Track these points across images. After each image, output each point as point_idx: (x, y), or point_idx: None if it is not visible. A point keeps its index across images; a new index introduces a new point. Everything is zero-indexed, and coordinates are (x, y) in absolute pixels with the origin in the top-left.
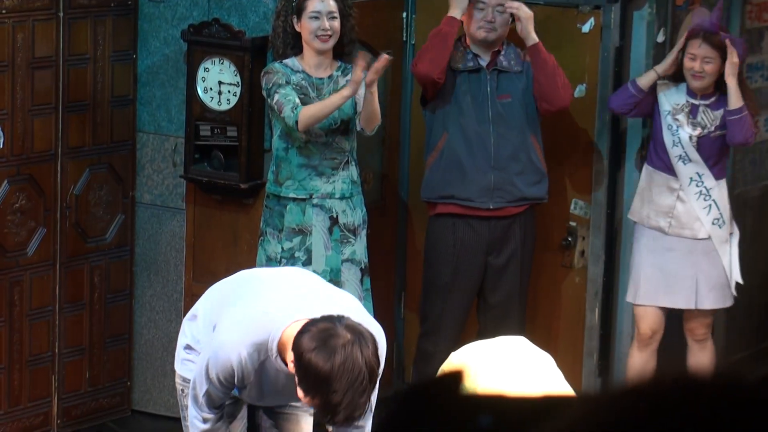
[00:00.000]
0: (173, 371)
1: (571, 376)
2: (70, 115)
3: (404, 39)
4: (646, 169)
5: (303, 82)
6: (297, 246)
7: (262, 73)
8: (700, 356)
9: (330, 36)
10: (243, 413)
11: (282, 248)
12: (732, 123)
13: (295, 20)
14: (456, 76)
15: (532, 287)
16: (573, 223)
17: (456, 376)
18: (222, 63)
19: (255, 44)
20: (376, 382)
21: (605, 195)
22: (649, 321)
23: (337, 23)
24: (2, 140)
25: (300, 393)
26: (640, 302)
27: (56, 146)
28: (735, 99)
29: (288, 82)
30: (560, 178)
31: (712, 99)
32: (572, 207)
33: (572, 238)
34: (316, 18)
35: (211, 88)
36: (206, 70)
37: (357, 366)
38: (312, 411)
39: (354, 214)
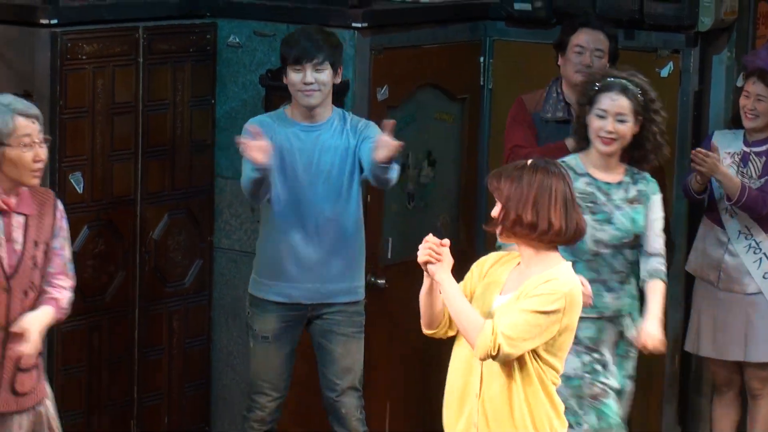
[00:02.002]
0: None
1: (650, 424)
2: (149, 160)
3: (482, 83)
4: (703, 220)
5: (589, 187)
6: (594, 361)
7: None
8: (754, 412)
9: (614, 139)
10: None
11: (582, 362)
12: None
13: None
14: (543, 125)
15: None
16: None
17: None
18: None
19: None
20: None
21: (684, 242)
22: (718, 370)
23: (624, 126)
24: (82, 185)
25: None
26: (698, 352)
27: (135, 191)
28: None
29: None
30: None
31: (763, 147)
32: None
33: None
34: (602, 117)
35: None
36: None
37: None
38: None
39: (634, 328)
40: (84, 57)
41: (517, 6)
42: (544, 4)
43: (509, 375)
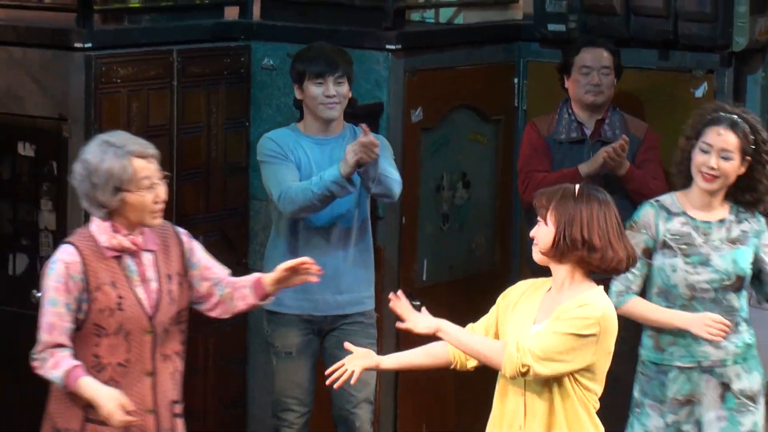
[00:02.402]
0: None
1: None
2: (184, 182)
3: (516, 104)
4: None
5: (685, 227)
6: (684, 418)
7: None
8: None
9: (716, 177)
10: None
11: (665, 422)
12: None
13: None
14: (558, 147)
15: None
16: None
17: None
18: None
19: (367, 111)
20: None
21: None
22: None
23: (727, 164)
24: None
25: None
26: None
27: (170, 214)
28: None
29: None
30: None
31: None
32: None
33: None
34: (706, 152)
35: None
36: None
37: None
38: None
39: (751, 378)
40: (118, 80)
41: (551, 27)
42: (578, 25)
43: (551, 406)
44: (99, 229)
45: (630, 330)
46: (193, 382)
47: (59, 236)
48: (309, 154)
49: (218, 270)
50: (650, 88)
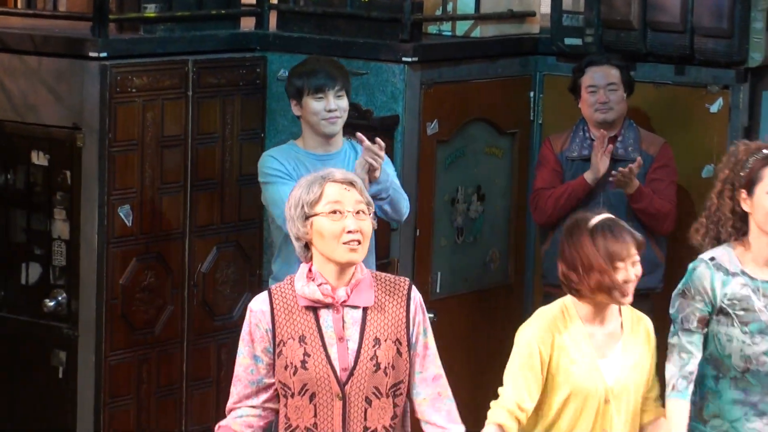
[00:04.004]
0: None
1: None
2: (198, 193)
3: (531, 118)
4: None
5: (744, 289)
6: None
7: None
8: None
9: None
10: None
11: None
12: None
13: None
14: (569, 164)
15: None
16: None
17: None
18: (350, 141)
19: (383, 123)
20: None
21: None
22: None
23: None
24: (131, 218)
25: None
26: None
27: (184, 224)
28: None
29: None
30: (689, 260)
31: None
32: None
33: None
34: None
35: None
36: None
37: None
38: None
39: None
40: (134, 90)
41: (567, 41)
42: (594, 39)
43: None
44: (299, 273)
45: None
46: (205, 393)
47: (72, 245)
48: (311, 171)
49: (428, 376)
50: (666, 103)
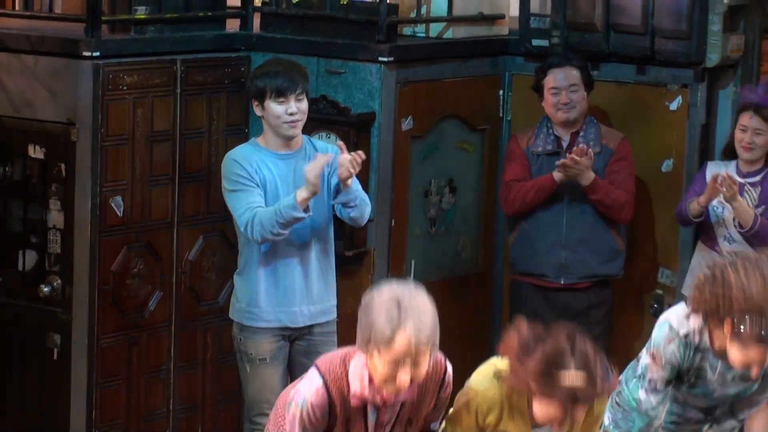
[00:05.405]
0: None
1: None
2: (185, 185)
3: (501, 115)
4: (699, 245)
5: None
6: None
7: None
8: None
9: None
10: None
11: None
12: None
13: None
14: (535, 159)
15: (622, 354)
16: (660, 292)
17: None
18: (329, 137)
19: (360, 119)
20: None
21: (690, 264)
22: None
23: None
24: (122, 209)
25: None
26: None
27: (172, 215)
28: None
29: None
30: (648, 248)
31: (758, 177)
32: (659, 276)
33: (659, 305)
34: None
35: None
36: None
37: None
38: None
39: None
40: (125, 87)
41: (535, 42)
42: (560, 41)
43: None
44: (354, 372)
45: None
46: (192, 375)
47: (66, 234)
48: (273, 170)
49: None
50: (628, 101)
